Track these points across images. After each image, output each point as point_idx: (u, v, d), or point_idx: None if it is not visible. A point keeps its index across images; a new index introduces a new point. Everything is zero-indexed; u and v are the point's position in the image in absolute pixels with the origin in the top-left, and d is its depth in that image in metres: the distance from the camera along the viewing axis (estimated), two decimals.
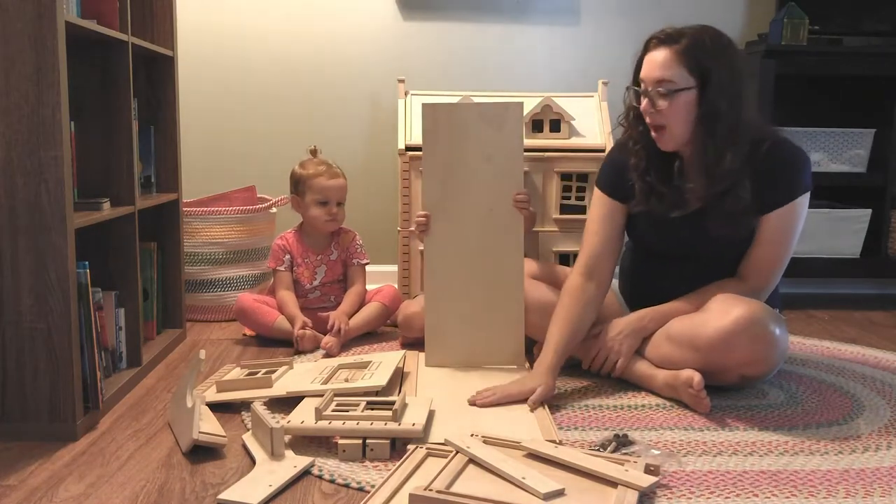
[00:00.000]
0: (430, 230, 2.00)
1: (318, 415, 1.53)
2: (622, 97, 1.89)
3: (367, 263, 2.44)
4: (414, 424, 1.52)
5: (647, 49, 1.79)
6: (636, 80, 1.81)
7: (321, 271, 2.39)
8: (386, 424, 1.51)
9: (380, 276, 3.03)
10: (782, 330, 1.74)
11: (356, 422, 1.52)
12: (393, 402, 1.57)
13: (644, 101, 1.77)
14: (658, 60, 1.74)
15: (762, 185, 1.76)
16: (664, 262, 1.92)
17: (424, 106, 2.00)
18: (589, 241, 1.93)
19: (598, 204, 1.95)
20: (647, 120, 1.78)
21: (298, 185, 2.40)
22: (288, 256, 2.39)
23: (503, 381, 1.87)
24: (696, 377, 1.72)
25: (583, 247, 1.94)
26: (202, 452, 1.52)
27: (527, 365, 2.01)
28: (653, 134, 1.80)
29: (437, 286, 1.99)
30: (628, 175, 1.87)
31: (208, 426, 1.56)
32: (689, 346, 1.76)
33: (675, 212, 1.82)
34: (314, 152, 2.45)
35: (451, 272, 1.99)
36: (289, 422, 1.54)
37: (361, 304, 2.38)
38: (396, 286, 2.52)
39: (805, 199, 1.81)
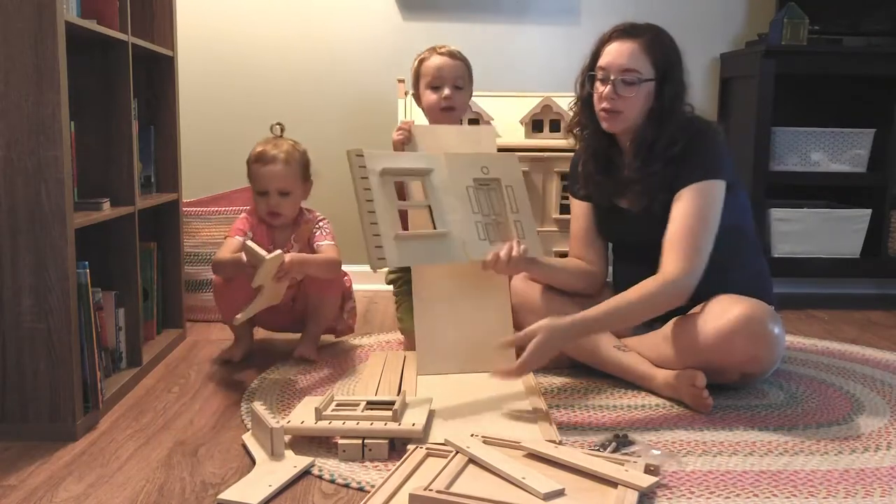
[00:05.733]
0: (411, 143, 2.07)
1: (318, 415, 1.53)
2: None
3: (333, 244, 2.14)
4: (414, 424, 1.52)
5: (609, 39, 1.86)
6: (593, 68, 1.88)
7: None
8: (386, 425, 1.51)
9: (380, 277, 3.03)
10: (780, 328, 1.75)
11: (356, 422, 1.52)
12: (393, 403, 1.58)
13: (607, 88, 1.82)
14: (625, 50, 1.82)
15: (679, 165, 1.80)
16: (633, 264, 1.91)
17: (416, 127, 2.09)
18: (571, 236, 2.10)
19: (571, 204, 2.10)
20: (605, 105, 1.84)
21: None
22: (250, 234, 2.10)
23: (502, 382, 1.87)
24: (700, 376, 1.72)
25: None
26: (202, 452, 1.52)
27: None
28: (602, 115, 1.86)
29: (425, 295, 1.99)
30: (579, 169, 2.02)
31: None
32: (688, 348, 1.76)
33: (618, 200, 1.92)
34: (274, 128, 2.17)
35: (438, 281, 1.99)
36: (289, 422, 1.54)
37: (329, 268, 2.10)
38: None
39: (717, 187, 1.78)
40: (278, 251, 1.87)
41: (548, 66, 3.05)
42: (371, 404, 1.60)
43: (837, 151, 2.84)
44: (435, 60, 2.17)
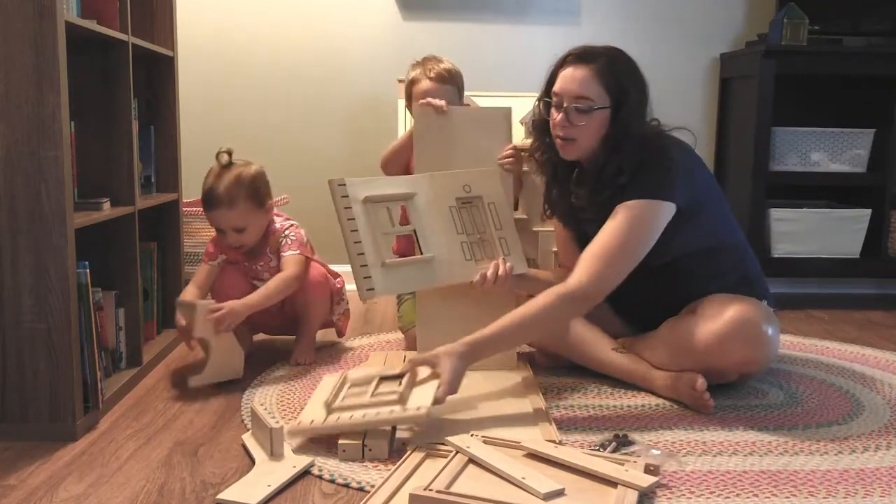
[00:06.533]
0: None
1: (328, 408, 1.54)
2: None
3: (296, 254, 2.06)
4: (419, 409, 1.51)
5: (563, 64, 1.81)
6: (548, 93, 1.83)
7: (265, 278, 2.08)
8: (391, 413, 1.51)
9: None
10: (775, 328, 1.74)
11: (363, 413, 1.52)
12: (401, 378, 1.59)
13: (560, 115, 1.79)
14: (578, 77, 1.76)
15: (626, 188, 1.74)
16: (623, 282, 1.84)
17: (416, 108, 2.03)
18: (557, 248, 2.10)
19: (553, 219, 2.05)
20: (559, 132, 1.80)
21: None
22: (223, 256, 2.12)
23: (502, 382, 1.88)
24: (699, 380, 1.72)
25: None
26: (202, 452, 1.53)
27: (528, 368, 2.01)
28: (558, 143, 1.83)
29: (427, 293, 1.98)
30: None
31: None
32: (684, 351, 1.76)
33: (584, 219, 1.87)
34: (220, 156, 2.05)
35: None
36: (299, 423, 1.53)
37: (284, 289, 2.02)
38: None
39: (655, 208, 1.71)
40: (207, 301, 1.92)
41: (548, 66, 3.04)
42: (385, 379, 1.61)
43: (837, 151, 2.84)
44: (423, 85, 2.16)
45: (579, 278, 1.69)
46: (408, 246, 2.03)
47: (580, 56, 1.79)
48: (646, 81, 1.80)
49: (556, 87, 1.80)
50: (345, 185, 1.82)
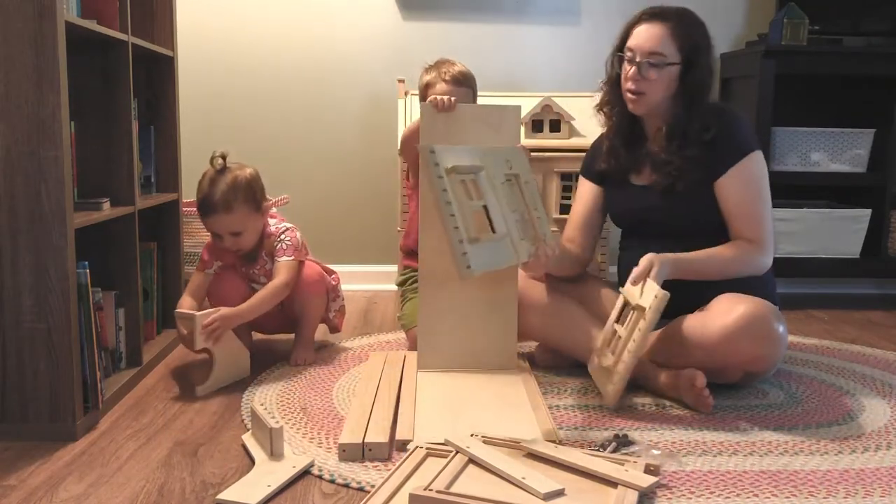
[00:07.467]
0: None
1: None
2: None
3: (290, 260, 2.07)
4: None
5: (638, 21, 1.90)
6: (621, 48, 1.92)
7: (262, 282, 2.11)
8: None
9: (380, 277, 3.04)
10: (784, 327, 1.76)
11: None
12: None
13: (632, 69, 1.87)
14: (653, 33, 1.86)
15: (713, 147, 1.84)
16: (643, 246, 1.88)
17: (423, 105, 1.99)
18: (569, 218, 2.14)
19: (578, 186, 2.15)
20: (630, 85, 1.88)
21: None
22: (218, 263, 2.12)
23: (502, 382, 1.87)
24: (699, 377, 1.72)
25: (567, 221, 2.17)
26: (202, 452, 1.53)
27: (528, 368, 2.01)
28: (629, 96, 1.90)
29: (431, 288, 1.98)
30: (600, 157, 2.05)
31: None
32: (693, 345, 1.76)
33: (633, 175, 1.98)
34: (215, 160, 2.06)
35: (445, 274, 1.98)
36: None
37: (274, 297, 2.03)
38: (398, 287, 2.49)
39: (756, 157, 1.87)
40: (207, 310, 1.92)
41: (548, 66, 3.05)
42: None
43: (837, 151, 2.84)
44: (440, 88, 2.14)
45: (752, 240, 1.83)
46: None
47: (655, 14, 1.88)
48: (711, 45, 1.91)
49: (631, 43, 1.88)
50: (434, 152, 1.63)
